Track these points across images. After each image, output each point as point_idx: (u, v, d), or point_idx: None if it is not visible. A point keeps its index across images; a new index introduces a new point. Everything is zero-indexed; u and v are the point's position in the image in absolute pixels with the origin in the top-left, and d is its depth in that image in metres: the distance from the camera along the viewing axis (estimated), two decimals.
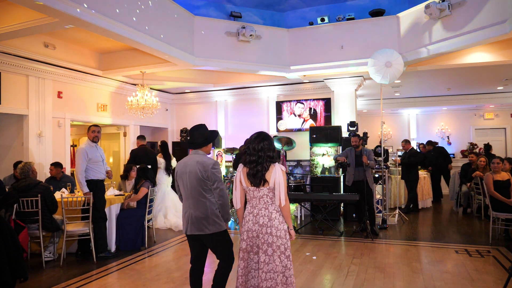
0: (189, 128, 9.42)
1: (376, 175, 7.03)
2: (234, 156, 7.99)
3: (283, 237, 2.85)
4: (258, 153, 2.85)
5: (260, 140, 2.88)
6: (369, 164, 6.31)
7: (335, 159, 6.60)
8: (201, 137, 3.24)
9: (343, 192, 6.41)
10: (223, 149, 9.40)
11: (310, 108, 9.55)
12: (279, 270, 2.80)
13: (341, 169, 7.38)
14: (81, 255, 5.37)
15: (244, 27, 7.78)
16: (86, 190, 5.02)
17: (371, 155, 6.48)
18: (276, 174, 2.83)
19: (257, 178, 2.83)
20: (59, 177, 6.43)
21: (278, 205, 2.88)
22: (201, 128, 3.29)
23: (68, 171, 7.73)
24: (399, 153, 8.74)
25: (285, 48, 8.38)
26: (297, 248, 5.59)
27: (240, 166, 2.96)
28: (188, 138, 3.23)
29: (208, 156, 3.28)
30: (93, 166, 5.12)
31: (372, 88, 10.19)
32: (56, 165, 6.45)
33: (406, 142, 8.63)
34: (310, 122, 9.49)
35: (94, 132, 5.21)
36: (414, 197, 8.37)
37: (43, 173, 7.10)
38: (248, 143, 2.96)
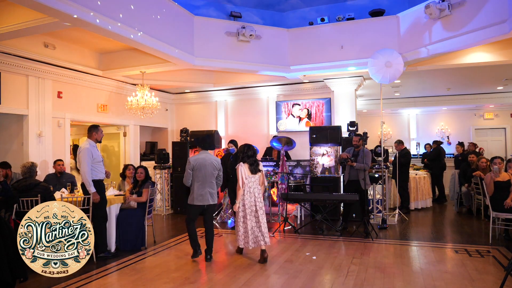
0: (189, 128, 9.49)
1: (376, 175, 7.02)
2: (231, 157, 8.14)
3: (263, 202, 5.12)
4: (254, 156, 5.10)
5: (252, 149, 5.12)
6: (355, 166, 6.36)
7: (339, 158, 6.69)
8: (210, 144, 5.25)
9: (343, 191, 6.49)
10: (223, 148, 9.46)
11: (310, 108, 9.55)
12: (266, 222, 5.04)
13: (341, 167, 7.42)
14: None
15: (244, 27, 7.77)
16: (94, 190, 5.00)
17: (367, 157, 6.44)
18: (262, 167, 5.20)
19: (257, 169, 5.06)
20: (62, 170, 6.66)
21: (260, 184, 5.11)
22: (211, 137, 5.41)
23: (68, 171, 7.72)
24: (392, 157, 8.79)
25: (285, 48, 8.38)
26: (297, 248, 5.59)
27: (241, 164, 5.02)
28: (203, 142, 5.15)
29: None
30: (95, 166, 5.11)
31: (372, 88, 10.19)
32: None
33: (399, 142, 8.66)
34: (310, 122, 9.49)
35: (102, 133, 5.34)
36: (405, 197, 8.37)
37: (46, 172, 7.10)
38: (245, 150, 5.09)
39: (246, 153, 5.03)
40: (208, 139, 5.17)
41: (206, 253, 5.08)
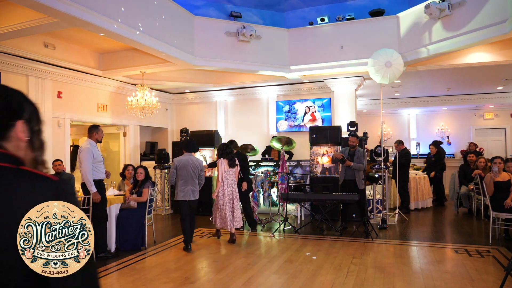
0: (189, 128, 9.50)
1: (376, 175, 7.02)
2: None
3: (237, 192, 6.00)
4: (232, 152, 6.02)
5: (230, 147, 6.04)
6: (352, 166, 6.37)
7: (333, 157, 6.72)
8: (193, 147, 5.97)
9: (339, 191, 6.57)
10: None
11: (310, 108, 9.55)
12: (239, 209, 5.99)
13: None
14: None
15: (244, 27, 7.77)
16: (95, 190, 5.00)
17: (362, 157, 6.45)
18: (237, 162, 6.06)
19: (234, 164, 5.98)
20: (60, 170, 6.64)
21: (236, 177, 6.08)
22: (194, 141, 6.13)
23: (68, 171, 7.72)
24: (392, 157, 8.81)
25: (285, 48, 8.38)
26: (297, 248, 5.59)
27: (221, 159, 5.92)
28: (187, 146, 5.91)
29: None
30: (96, 166, 5.11)
31: (372, 88, 10.18)
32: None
33: (399, 142, 8.70)
34: (310, 122, 9.49)
35: (102, 132, 5.35)
36: (405, 197, 8.38)
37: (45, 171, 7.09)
38: (224, 147, 6.01)
39: (225, 150, 5.97)
40: (191, 143, 5.96)
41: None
